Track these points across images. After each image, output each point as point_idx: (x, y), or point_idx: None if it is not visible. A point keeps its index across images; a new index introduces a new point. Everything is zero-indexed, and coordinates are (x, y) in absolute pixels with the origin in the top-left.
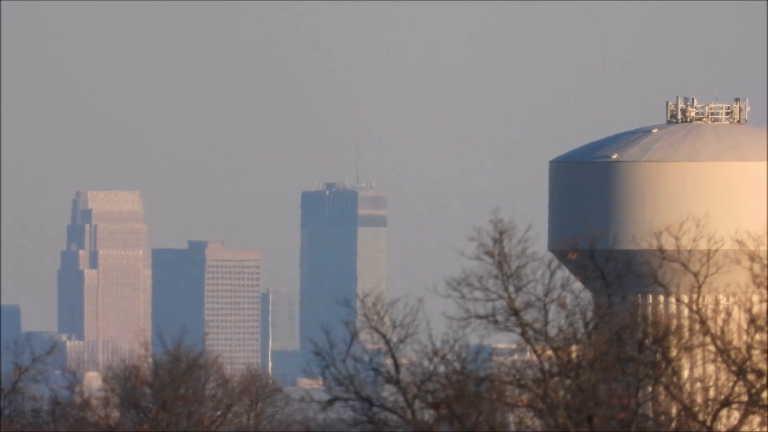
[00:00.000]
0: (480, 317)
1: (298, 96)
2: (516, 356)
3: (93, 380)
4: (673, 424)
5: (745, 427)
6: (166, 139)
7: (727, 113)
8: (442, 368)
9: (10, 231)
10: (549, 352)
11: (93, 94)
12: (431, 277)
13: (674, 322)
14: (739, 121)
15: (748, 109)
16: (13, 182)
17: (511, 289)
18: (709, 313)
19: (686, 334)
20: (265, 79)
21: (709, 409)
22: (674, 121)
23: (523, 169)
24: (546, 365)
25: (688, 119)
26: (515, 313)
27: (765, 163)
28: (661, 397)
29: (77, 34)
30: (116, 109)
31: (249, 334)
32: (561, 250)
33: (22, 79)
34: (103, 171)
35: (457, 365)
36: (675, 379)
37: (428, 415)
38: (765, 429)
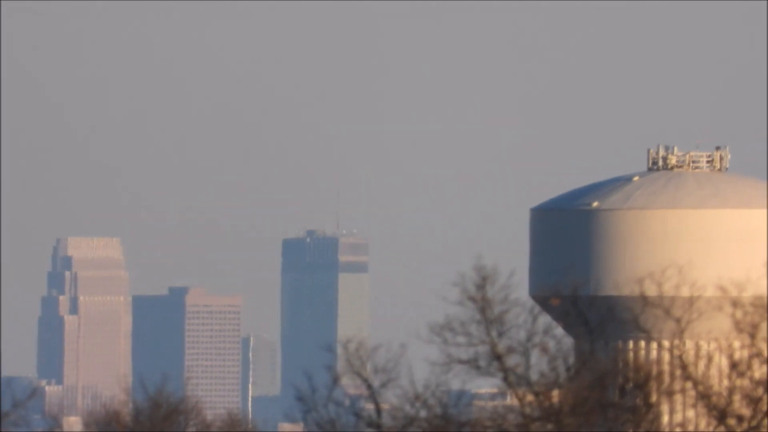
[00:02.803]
0: (462, 362)
1: (280, 144)
2: (498, 401)
3: (73, 425)
4: None
5: None
6: (146, 186)
7: (708, 161)
8: (423, 413)
9: None
10: (530, 397)
11: (72, 141)
12: (413, 323)
13: (655, 368)
14: (719, 169)
15: (729, 156)
16: None
17: (494, 334)
18: (691, 358)
19: (667, 379)
20: (246, 126)
21: None
22: (655, 168)
23: (505, 216)
24: (528, 410)
25: (669, 167)
26: (498, 357)
27: (746, 210)
28: None
29: (58, 79)
30: (96, 155)
31: (230, 379)
32: (542, 297)
33: (2, 126)
34: (83, 218)
35: (439, 410)
36: (655, 424)
37: None
38: None
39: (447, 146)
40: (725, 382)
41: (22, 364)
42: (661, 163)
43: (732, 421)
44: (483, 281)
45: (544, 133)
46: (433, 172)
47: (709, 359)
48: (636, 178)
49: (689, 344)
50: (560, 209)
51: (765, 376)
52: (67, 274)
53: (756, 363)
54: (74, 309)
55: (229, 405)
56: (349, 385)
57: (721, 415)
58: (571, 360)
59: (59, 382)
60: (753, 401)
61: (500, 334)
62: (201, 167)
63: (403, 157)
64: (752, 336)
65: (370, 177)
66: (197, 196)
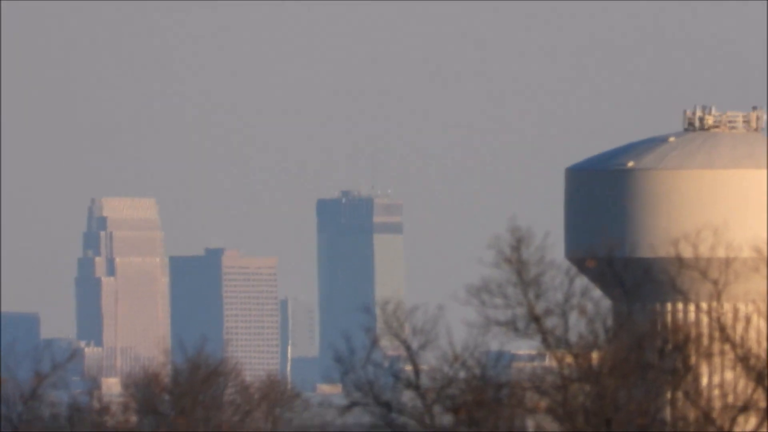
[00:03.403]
0: (500, 324)
1: (315, 104)
2: (536, 362)
3: (112, 386)
4: (692, 429)
5: None
6: (181, 146)
7: (744, 121)
8: (462, 374)
9: (26, 238)
10: (569, 359)
11: (109, 101)
12: (448, 285)
13: (694, 330)
14: (756, 129)
15: (766, 117)
16: (29, 189)
17: (531, 296)
18: (729, 320)
19: (706, 342)
20: (281, 87)
21: (728, 414)
22: (691, 129)
23: (540, 177)
24: (566, 371)
25: (705, 127)
26: (536, 320)
27: None
28: (680, 403)
29: (90, 37)
30: (131, 116)
31: (268, 341)
32: (578, 258)
33: (36, 87)
34: (118, 178)
35: (477, 371)
36: (694, 386)
37: (447, 420)
38: None
39: (482, 106)
40: (764, 344)
41: (61, 326)
42: (697, 123)
43: None
44: (518, 243)
45: (579, 93)
46: (467, 132)
47: (747, 321)
48: (672, 139)
49: (727, 306)
50: (595, 169)
51: None
52: (102, 234)
53: None
54: (111, 270)
55: (267, 366)
56: (388, 346)
57: (759, 376)
58: (609, 322)
59: (98, 343)
60: None
61: (537, 296)
62: (235, 127)
63: (438, 118)
64: None
65: (405, 137)
66: (232, 157)
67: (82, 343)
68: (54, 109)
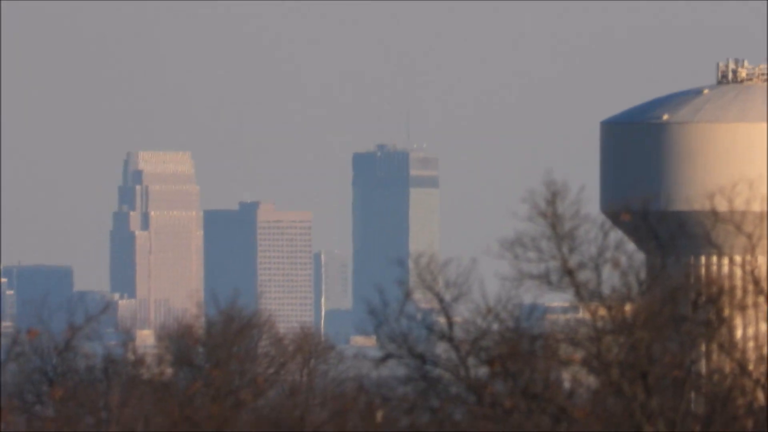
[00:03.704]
0: (533, 277)
1: (350, 57)
2: (570, 315)
3: (146, 338)
4: (727, 382)
5: None
6: (216, 100)
7: None
8: (495, 326)
9: (62, 192)
10: (603, 311)
11: (144, 55)
12: (483, 238)
13: (727, 283)
14: None
15: None
16: (64, 143)
17: (565, 249)
18: (763, 273)
19: (740, 294)
20: (317, 40)
21: (763, 366)
22: (725, 81)
23: (575, 131)
24: (600, 323)
25: (739, 80)
26: (569, 273)
27: None
28: (715, 356)
29: None
30: (166, 70)
31: (302, 293)
32: (613, 212)
33: (71, 42)
34: (154, 131)
35: (511, 323)
36: (729, 338)
37: (481, 372)
38: None
39: (517, 59)
40: None
41: (95, 279)
42: (730, 75)
43: None
44: (553, 197)
45: (614, 46)
46: (503, 85)
47: None
48: (706, 91)
49: (761, 260)
50: (630, 123)
51: None
52: (138, 188)
53: None
54: (145, 224)
55: (301, 319)
56: (421, 300)
57: None
58: (643, 275)
59: (131, 296)
60: None
61: (571, 250)
62: (271, 81)
63: (473, 71)
64: None
65: (440, 91)
66: (267, 110)
67: (116, 296)
68: (90, 64)
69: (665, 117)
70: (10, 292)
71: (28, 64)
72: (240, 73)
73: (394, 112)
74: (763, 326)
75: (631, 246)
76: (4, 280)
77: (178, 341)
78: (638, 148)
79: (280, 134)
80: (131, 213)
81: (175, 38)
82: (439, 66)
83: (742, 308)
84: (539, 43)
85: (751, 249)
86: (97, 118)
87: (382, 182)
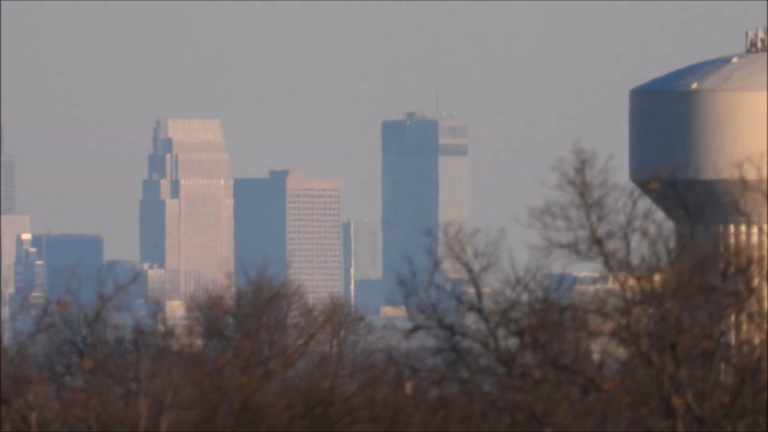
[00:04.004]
0: (562, 246)
1: (380, 25)
2: (598, 285)
3: (176, 309)
4: (757, 353)
5: None
6: (246, 68)
7: None
8: (524, 297)
9: (92, 161)
10: (632, 281)
11: (174, 23)
12: (511, 206)
13: (757, 252)
14: None
15: None
16: (95, 112)
17: (593, 218)
18: None
19: None
20: (346, 9)
21: None
22: (753, 50)
23: (604, 99)
24: (629, 294)
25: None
26: (597, 242)
27: None
28: (744, 326)
29: None
30: (196, 38)
31: (331, 263)
32: (642, 180)
33: (101, 11)
34: (184, 100)
35: (540, 294)
36: (758, 308)
37: (511, 343)
38: None
39: (546, 27)
40: None
41: (124, 248)
42: (759, 44)
43: None
44: (582, 165)
45: (643, 15)
46: (532, 53)
47: None
48: (734, 60)
49: None
50: (659, 91)
51: None
52: (168, 156)
53: None
54: (175, 192)
55: (331, 289)
56: (450, 269)
57: None
58: (672, 244)
59: (161, 266)
60: None
61: (600, 219)
62: (300, 48)
63: (503, 39)
64: None
65: (469, 59)
66: (296, 78)
67: (145, 266)
68: (120, 32)
69: (694, 85)
70: (39, 263)
71: (59, 34)
72: (269, 41)
73: (423, 80)
74: None
75: (660, 215)
76: (33, 249)
77: (208, 312)
78: (667, 116)
79: (310, 102)
80: (161, 181)
81: (204, 6)
82: (468, 34)
83: None
84: (569, 12)
85: None
86: (127, 87)
87: (411, 150)
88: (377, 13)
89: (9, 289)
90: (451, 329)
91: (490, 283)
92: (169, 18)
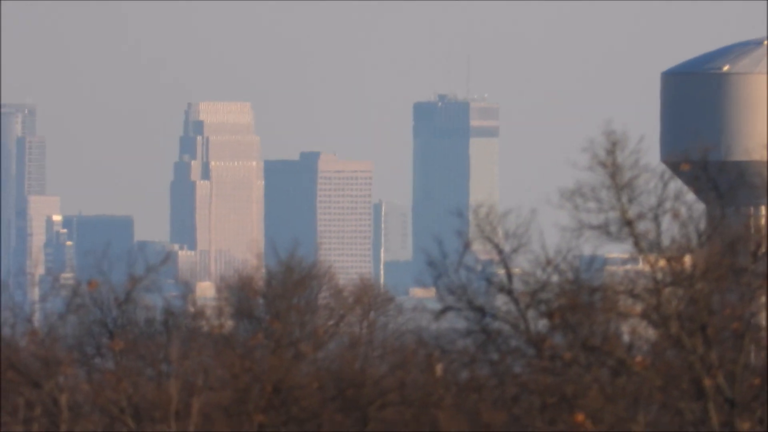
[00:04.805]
0: (593, 228)
1: (412, 7)
2: (629, 267)
3: (206, 290)
4: None
5: None
6: (276, 50)
7: None
8: (555, 278)
9: (123, 143)
10: (662, 262)
11: (206, 5)
12: (542, 188)
13: None
14: None
15: None
16: (128, 94)
17: (624, 199)
18: None
19: None
20: None
21: None
22: None
23: (635, 81)
24: (659, 275)
25: None
26: (628, 223)
27: None
28: None
29: None
30: (226, 20)
31: (361, 244)
32: (673, 162)
33: None
34: (215, 82)
35: (570, 275)
36: None
37: (541, 324)
38: None
39: (578, 10)
40: None
41: (155, 229)
42: None
43: None
44: (613, 146)
45: None
46: (562, 35)
47: None
48: (766, 42)
49: None
50: (691, 73)
51: None
52: (199, 138)
53: None
54: (206, 174)
55: (361, 270)
56: (480, 251)
57: None
58: (703, 226)
59: (192, 247)
60: None
61: (630, 200)
62: (332, 31)
63: (534, 21)
64: None
65: (501, 41)
66: (327, 60)
67: (176, 246)
68: (153, 14)
69: (725, 68)
70: (69, 243)
71: (92, 16)
72: (301, 23)
73: (454, 62)
74: None
75: (690, 196)
76: (63, 230)
77: (239, 293)
78: (698, 98)
79: (341, 84)
80: (192, 163)
81: None
82: (500, 16)
83: None
84: None
85: None
86: (159, 69)
87: (442, 132)
88: None
89: (39, 270)
90: (481, 311)
91: (521, 264)
92: (200, 1)
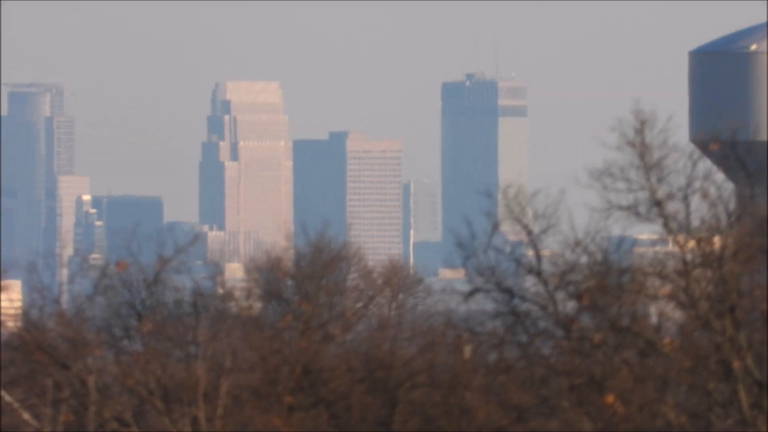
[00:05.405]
0: (622, 208)
1: None
2: (658, 247)
3: (235, 271)
4: None
5: None
6: (304, 29)
7: None
8: (584, 259)
9: (151, 123)
10: (691, 244)
11: None
12: (571, 168)
13: None
14: None
15: None
16: (153, 74)
17: (654, 179)
18: None
19: None
20: None
21: None
22: None
23: (664, 60)
24: (688, 256)
25: None
26: (657, 204)
27: None
28: None
29: None
30: (253, 1)
31: (391, 224)
32: (702, 141)
33: None
34: (242, 62)
35: (599, 256)
36: None
37: (570, 306)
38: None
39: None
40: None
41: (184, 210)
42: None
43: None
44: (642, 126)
45: None
46: (591, 13)
47: None
48: None
49: None
50: (719, 52)
51: None
52: (226, 118)
53: None
54: (234, 155)
55: (390, 250)
56: (509, 231)
57: None
58: (732, 206)
59: (221, 227)
60: None
61: (659, 180)
62: (359, 9)
63: (560, 1)
64: None
65: (529, 19)
66: (354, 39)
67: (205, 227)
68: None
69: (753, 47)
70: (99, 223)
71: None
72: (328, 3)
73: (482, 41)
74: None
75: (720, 176)
76: (93, 211)
77: (268, 274)
78: (727, 77)
79: (370, 63)
80: (220, 143)
81: None
82: None
83: None
84: None
85: None
86: (186, 49)
87: (470, 112)
88: None
89: (68, 251)
90: (509, 292)
91: (550, 245)
92: None
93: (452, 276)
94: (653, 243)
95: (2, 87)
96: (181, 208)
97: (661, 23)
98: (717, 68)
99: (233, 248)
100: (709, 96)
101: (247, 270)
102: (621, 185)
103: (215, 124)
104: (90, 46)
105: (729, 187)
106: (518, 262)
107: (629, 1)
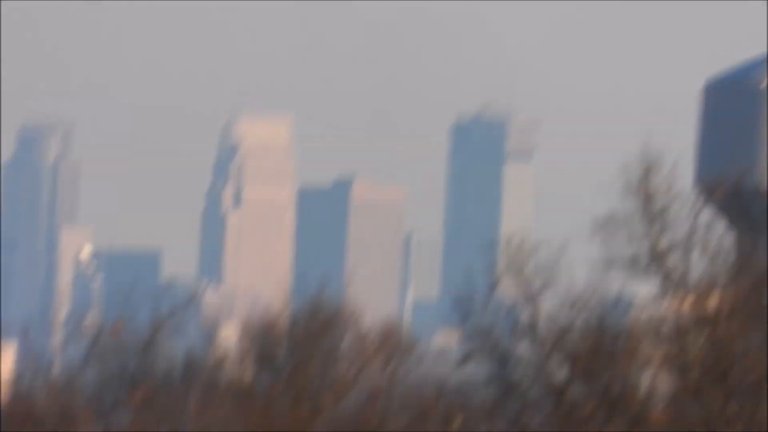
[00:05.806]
0: (621, 263)
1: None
2: (654, 308)
3: (231, 331)
4: None
5: None
6: (313, 64)
7: None
8: (581, 319)
9: (156, 165)
10: (688, 303)
11: (242, 9)
12: (577, 216)
13: None
14: None
15: None
16: (160, 105)
17: (656, 229)
18: None
19: None
20: (416, 10)
21: None
22: None
23: (675, 90)
24: (683, 318)
25: None
26: (658, 257)
27: None
28: None
29: None
30: (254, 40)
31: (390, 280)
32: (707, 185)
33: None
34: (249, 102)
35: (594, 319)
36: None
37: (563, 373)
38: None
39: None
40: None
41: (184, 261)
42: None
43: None
44: (646, 173)
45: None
46: (600, 46)
47: None
48: None
49: None
50: (731, 84)
51: None
52: (233, 163)
53: None
54: (238, 200)
55: (388, 307)
56: (512, 284)
57: None
58: (732, 258)
59: (219, 280)
60: None
61: (662, 229)
62: (365, 42)
63: (566, 40)
64: None
65: (537, 58)
66: (357, 79)
67: (204, 282)
68: (185, 34)
69: (763, 84)
70: (98, 277)
71: (129, 36)
72: (340, 39)
73: (492, 83)
74: None
75: (723, 222)
76: (92, 263)
77: (262, 339)
78: (737, 114)
79: (374, 105)
80: (224, 192)
81: (264, 6)
82: (533, 36)
83: None
84: (640, 11)
85: None
86: (194, 87)
87: (476, 158)
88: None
89: (65, 310)
90: (502, 360)
91: (549, 300)
92: (233, 22)
93: (449, 338)
94: (651, 301)
95: (7, 127)
96: (181, 260)
97: (675, 54)
98: (727, 105)
99: (231, 304)
100: (717, 136)
101: (242, 334)
102: (623, 235)
103: (221, 168)
104: (95, 87)
105: (731, 237)
106: (515, 323)
107: (635, 28)
